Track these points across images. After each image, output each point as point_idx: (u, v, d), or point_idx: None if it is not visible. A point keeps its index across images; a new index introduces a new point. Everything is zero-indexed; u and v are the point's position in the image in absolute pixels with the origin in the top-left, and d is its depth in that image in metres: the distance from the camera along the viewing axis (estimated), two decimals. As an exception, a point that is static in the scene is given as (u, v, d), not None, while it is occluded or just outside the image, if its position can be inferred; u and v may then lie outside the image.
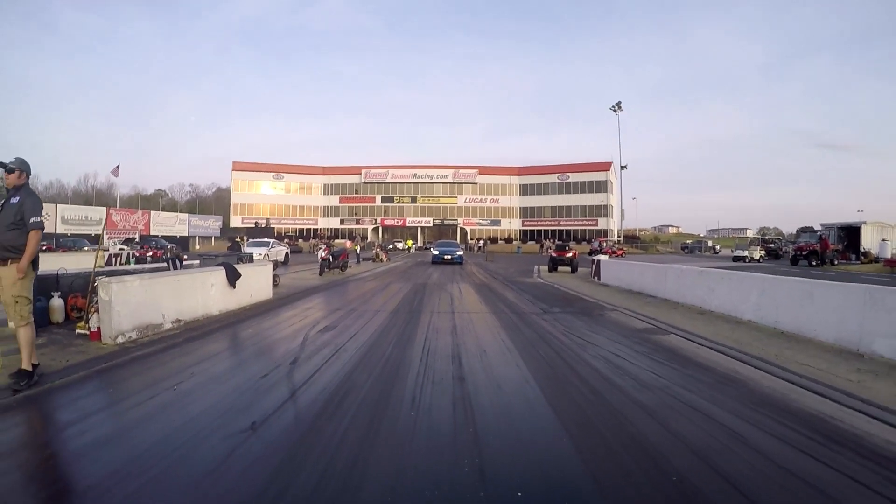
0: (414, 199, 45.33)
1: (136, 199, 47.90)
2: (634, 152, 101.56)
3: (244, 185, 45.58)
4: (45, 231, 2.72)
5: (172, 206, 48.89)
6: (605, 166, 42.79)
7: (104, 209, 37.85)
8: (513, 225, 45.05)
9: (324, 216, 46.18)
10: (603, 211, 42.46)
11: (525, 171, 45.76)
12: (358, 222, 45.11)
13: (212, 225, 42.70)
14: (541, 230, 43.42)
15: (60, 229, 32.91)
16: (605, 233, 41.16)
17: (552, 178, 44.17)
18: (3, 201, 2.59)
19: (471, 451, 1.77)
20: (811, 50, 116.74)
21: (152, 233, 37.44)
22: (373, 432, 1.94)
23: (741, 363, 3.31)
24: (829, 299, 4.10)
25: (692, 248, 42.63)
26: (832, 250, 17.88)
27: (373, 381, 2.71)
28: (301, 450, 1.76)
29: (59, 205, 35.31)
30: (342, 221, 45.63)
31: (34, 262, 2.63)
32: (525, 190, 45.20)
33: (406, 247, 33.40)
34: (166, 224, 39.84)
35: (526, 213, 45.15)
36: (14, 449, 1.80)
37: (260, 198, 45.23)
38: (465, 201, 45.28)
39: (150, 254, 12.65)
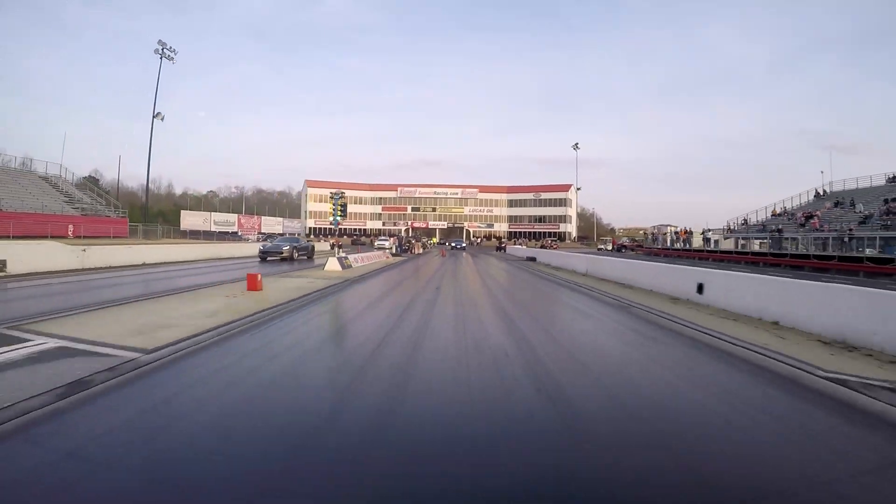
0: (434, 209, 65.20)
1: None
2: (637, 151, 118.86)
3: (315, 197, 65.68)
4: (211, 230, 22.56)
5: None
6: (566, 188, 62.19)
7: (236, 216, 58.10)
8: (502, 228, 64.63)
9: (370, 220, 66.19)
10: (563, 219, 61.98)
11: (511, 189, 65.31)
12: (395, 224, 64.98)
13: (296, 226, 62.99)
14: (522, 232, 62.88)
15: (214, 228, 53.20)
16: (565, 234, 60.70)
17: (529, 196, 63.74)
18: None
19: (458, 262, 21.56)
20: (817, 50, 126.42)
21: (262, 230, 57.70)
22: (452, 257, 21.73)
23: (525, 260, 23.10)
24: (534, 252, 23.86)
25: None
26: (634, 245, 37.38)
27: (454, 258, 22.48)
28: (449, 257, 21.58)
29: (212, 213, 55.76)
30: (383, 224, 65.46)
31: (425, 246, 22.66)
32: (511, 204, 64.81)
33: (431, 243, 53.32)
34: (269, 225, 59.97)
35: (511, 219, 64.75)
36: (418, 262, 21.66)
37: (325, 206, 65.23)
38: (469, 211, 65.05)
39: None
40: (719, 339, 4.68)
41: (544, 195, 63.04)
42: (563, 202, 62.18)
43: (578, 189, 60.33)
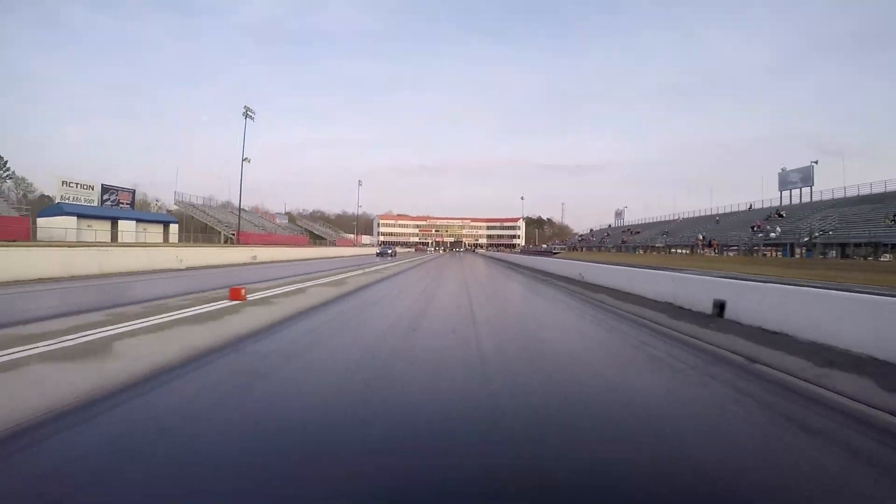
0: (447, 230, 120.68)
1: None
2: (642, 153, 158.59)
3: (384, 225, 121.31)
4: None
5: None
6: (517, 219, 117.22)
7: (352, 235, 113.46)
8: (483, 241, 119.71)
9: (412, 237, 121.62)
10: (516, 237, 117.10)
11: (489, 220, 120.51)
12: (425, 238, 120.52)
13: (374, 239, 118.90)
14: (493, 244, 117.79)
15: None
16: (516, 245, 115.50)
17: (497, 224, 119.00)
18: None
19: (457, 254, 76.80)
20: (815, 53, 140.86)
21: (363, 241, 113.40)
22: (457, 253, 76.94)
23: (475, 252, 78.31)
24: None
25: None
26: (525, 249, 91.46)
27: (457, 254, 77.59)
28: (454, 253, 76.88)
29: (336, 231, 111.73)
30: (418, 238, 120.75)
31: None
32: (488, 228, 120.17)
33: (447, 249, 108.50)
34: (362, 241, 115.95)
35: (489, 236, 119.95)
36: (446, 254, 77.09)
37: (388, 229, 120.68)
38: (465, 231, 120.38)
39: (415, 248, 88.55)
40: (524, 268, 59.84)
41: (506, 223, 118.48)
42: (515, 227, 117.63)
43: (524, 219, 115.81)
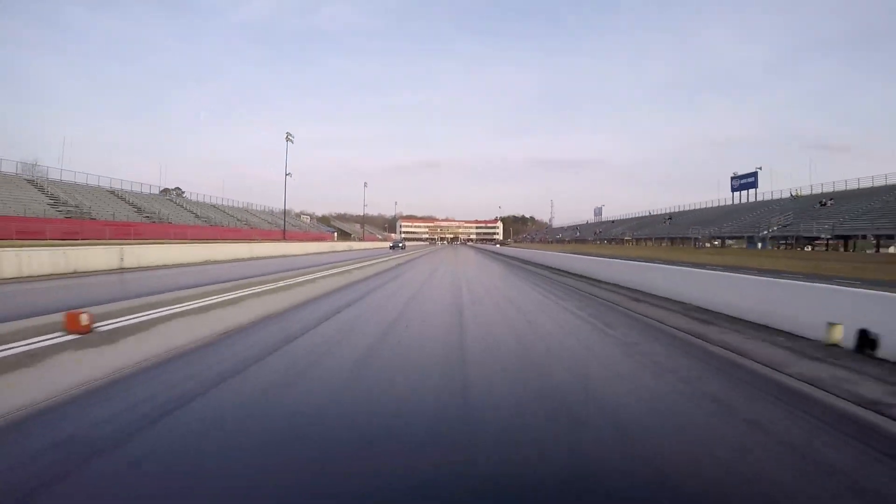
0: (448, 230, 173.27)
1: (329, 218, 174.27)
2: (634, 152, 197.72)
3: (405, 225, 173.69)
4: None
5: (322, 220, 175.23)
6: (496, 221, 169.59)
7: (385, 232, 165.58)
8: (472, 237, 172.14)
9: (423, 234, 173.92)
10: (496, 233, 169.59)
11: (477, 222, 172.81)
12: (433, 235, 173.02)
13: (399, 236, 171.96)
14: (480, 238, 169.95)
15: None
16: (496, 240, 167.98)
17: (483, 224, 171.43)
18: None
19: (455, 245, 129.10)
20: (808, 51, 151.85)
21: (392, 237, 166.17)
22: (454, 246, 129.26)
23: (466, 244, 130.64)
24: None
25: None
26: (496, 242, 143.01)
27: (454, 246, 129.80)
28: (452, 246, 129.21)
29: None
30: (428, 235, 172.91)
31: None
32: (477, 228, 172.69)
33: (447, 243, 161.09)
34: (386, 236, 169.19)
35: (477, 234, 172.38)
36: (449, 247, 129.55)
37: (408, 228, 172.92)
38: (461, 231, 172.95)
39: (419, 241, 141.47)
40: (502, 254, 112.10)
41: (489, 224, 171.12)
42: (495, 227, 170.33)
43: (500, 221, 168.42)
